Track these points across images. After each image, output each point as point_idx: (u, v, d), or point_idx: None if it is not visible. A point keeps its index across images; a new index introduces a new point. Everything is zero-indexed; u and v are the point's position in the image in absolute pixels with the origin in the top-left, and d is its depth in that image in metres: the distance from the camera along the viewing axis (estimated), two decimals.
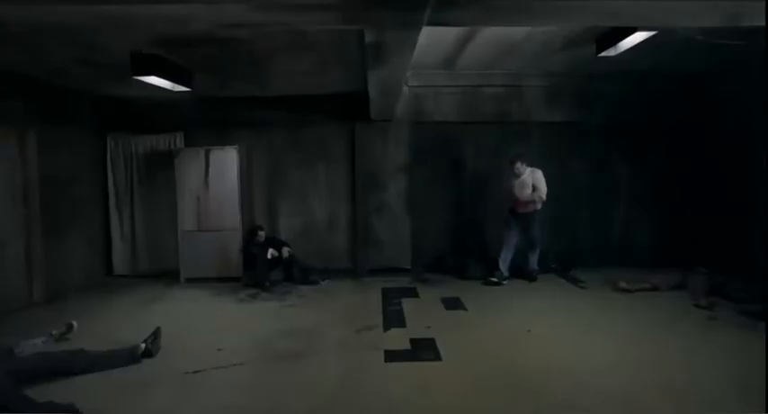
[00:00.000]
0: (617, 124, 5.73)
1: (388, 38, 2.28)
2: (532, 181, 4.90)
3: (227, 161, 5.52)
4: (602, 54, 3.94)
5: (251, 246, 5.34)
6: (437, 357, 3.18)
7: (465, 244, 5.83)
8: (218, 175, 5.52)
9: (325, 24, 2.21)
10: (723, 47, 3.77)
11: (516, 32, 3.92)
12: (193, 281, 5.45)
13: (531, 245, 5.13)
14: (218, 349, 3.38)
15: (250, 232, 5.47)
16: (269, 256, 5.20)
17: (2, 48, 3.59)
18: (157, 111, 5.79)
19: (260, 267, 5.18)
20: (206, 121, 5.86)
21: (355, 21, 2.06)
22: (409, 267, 5.69)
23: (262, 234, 5.42)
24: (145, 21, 2.47)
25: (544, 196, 4.88)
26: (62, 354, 3.09)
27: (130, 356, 3.17)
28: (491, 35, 3.99)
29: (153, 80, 3.90)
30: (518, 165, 4.94)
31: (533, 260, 5.19)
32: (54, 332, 3.56)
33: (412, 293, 4.83)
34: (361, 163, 5.77)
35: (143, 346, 3.24)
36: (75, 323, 3.68)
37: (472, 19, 2.20)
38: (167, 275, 5.63)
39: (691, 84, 5.59)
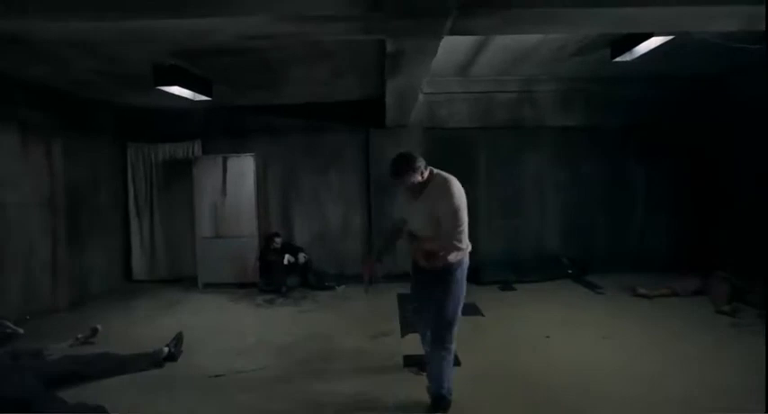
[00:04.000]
0: (632, 128, 5.70)
1: (409, 47, 2.33)
2: (436, 204, 2.41)
3: (243, 168, 5.62)
4: (618, 59, 3.94)
5: (268, 252, 5.41)
6: (456, 363, 3.17)
7: (480, 249, 5.82)
8: (236, 183, 5.62)
9: (347, 35, 2.26)
10: (739, 49, 3.75)
11: (529, 38, 3.94)
12: (211, 286, 5.53)
13: (436, 336, 2.55)
14: (239, 354, 3.44)
15: (267, 239, 5.55)
16: (285, 262, 5.27)
17: (29, 61, 3.74)
18: (175, 119, 5.91)
19: (277, 273, 5.25)
20: (223, 129, 5.98)
21: (377, 31, 2.12)
22: None
23: (278, 240, 5.49)
24: (169, 34, 2.56)
25: (460, 237, 2.40)
26: (89, 357, 3.17)
27: (154, 360, 3.24)
28: (505, 42, 4.03)
29: (175, 90, 4.00)
30: (410, 175, 2.41)
31: (439, 370, 2.58)
32: (80, 336, 3.65)
33: None
34: (375, 169, 5.82)
35: (166, 350, 3.31)
36: (99, 327, 3.78)
37: (492, 27, 2.24)
38: (185, 281, 5.73)
39: (706, 86, 5.54)
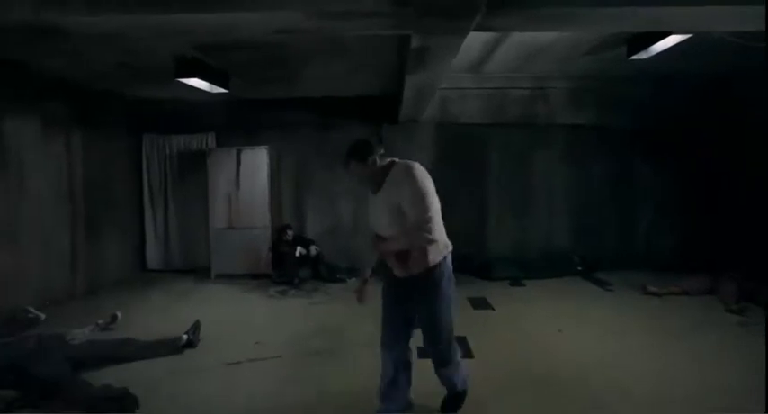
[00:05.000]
0: (642, 127, 5.71)
1: (434, 43, 2.37)
2: (399, 192, 2.07)
3: (257, 161, 5.68)
4: (634, 57, 3.95)
5: (280, 244, 5.49)
6: (469, 354, 3.25)
7: (489, 244, 5.88)
8: (249, 175, 5.69)
9: (375, 30, 2.31)
10: (753, 48, 3.75)
11: (545, 36, 3.95)
12: (224, 277, 5.61)
13: (440, 357, 2.32)
14: (256, 342, 3.51)
15: (279, 231, 5.62)
16: (297, 254, 5.34)
17: (54, 54, 3.80)
18: (190, 112, 5.96)
19: (289, 265, 5.32)
20: (236, 122, 6.03)
21: (406, 27, 2.16)
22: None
23: (290, 233, 5.57)
24: (200, 29, 2.60)
25: (429, 226, 2.01)
26: (111, 342, 3.26)
27: (173, 347, 3.33)
28: (520, 38, 4.04)
29: (194, 82, 4.06)
30: (354, 164, 2.17)
31: (450, 378, 2.40)
32: (100, 322, 3.74)
33: None
34: None
35: (185, 337, 3.39)
36: (119, 314, 3.87)
37: (517, 25, 2.28)
38: (199, 271, 5.82)
39: (717, 86, 5.53)
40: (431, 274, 2.13)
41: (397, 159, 2.21)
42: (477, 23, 2.09)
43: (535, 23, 2.30)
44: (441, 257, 2.14)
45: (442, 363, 2.32)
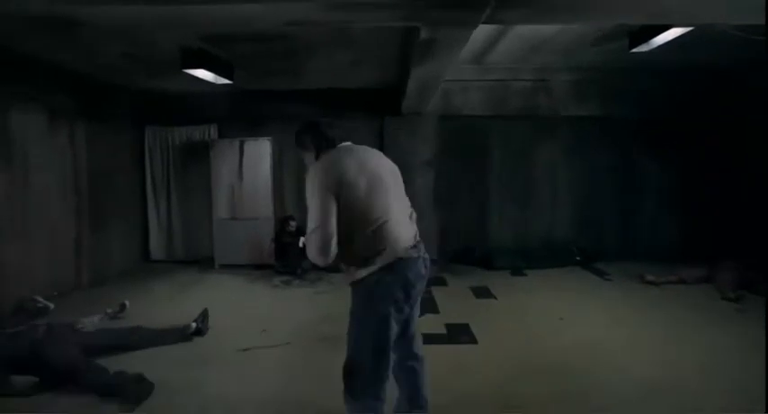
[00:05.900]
0: (645, 118, 5.75)
1: (442, 35, 2.39)
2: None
3: (260, 152, 5.70)
4: (635, 49, 3.98)
5: (283, 234, 5.53)
6: (473, 341, 3.33)
7: (491, 235, 5.95)
8: (252, 166, 5.71)
9: (385, 22, 2.32)
10: (756, 41, 3.78)
11: (549, 28, 3.97)
12: (227, 267, 5.66)
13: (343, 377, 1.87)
14: (263, 330, 3.57)
15: (282, 222, 5.66)
16: (300, 245, 5.38)
17: (59, 45, 3.79)
18: (192, 104, 5.95)
19: (292, 255, 5.37)
20: (239, 113, 6.02)
21: (416, 19, 2.18)
22: (435, 258, 5.81)
23: (293, 223, 5.60)
24: (209, 20, 2.62)
25: (316, 238, 1.70)
26: (122, 330, 3.32)
27: (183, 334, 3.38)
28: (523, 30, 4.06)
29: (200, 73, 4.07)
30: (301, 152, 2.00)
31: None
32: (109, 310, 3.79)
33: (440, 282, 4.96)
34: (389, 156, 5.87)
35: (194, 325, 3.45)
36: (127, 303, 3.92)
37: (527, 17, 2.30)
38: (202, 262, 5.86)
39: (720, 79, 5.57)
40: (355, 289, 1.78)
41: (348, 144, 1.88)
42: (486, 16, 2.12)
43: (545, 16, 2.31)
44: (365, 273, 1.70)
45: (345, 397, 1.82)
